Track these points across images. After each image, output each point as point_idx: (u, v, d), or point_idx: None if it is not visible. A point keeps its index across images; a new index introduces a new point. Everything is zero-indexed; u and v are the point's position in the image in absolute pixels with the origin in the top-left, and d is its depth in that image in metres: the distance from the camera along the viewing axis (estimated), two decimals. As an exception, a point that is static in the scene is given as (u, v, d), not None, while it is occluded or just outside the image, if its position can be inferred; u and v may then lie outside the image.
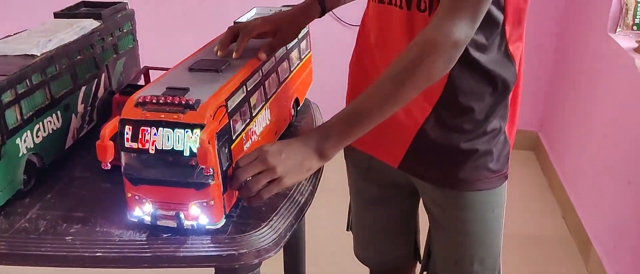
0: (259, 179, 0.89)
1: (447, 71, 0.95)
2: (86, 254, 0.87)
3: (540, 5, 2.69)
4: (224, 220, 0.90)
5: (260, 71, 1.04)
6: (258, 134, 1.01)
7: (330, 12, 1.22)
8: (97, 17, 1.23)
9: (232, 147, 0.90)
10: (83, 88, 1.15)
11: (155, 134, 0.84)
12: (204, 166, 0.81)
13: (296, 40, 1.21)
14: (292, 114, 1.24)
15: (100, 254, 0.87)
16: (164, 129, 0.83)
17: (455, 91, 1.04)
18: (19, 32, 1.16)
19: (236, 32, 1.07)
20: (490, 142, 1.10)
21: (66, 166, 1.10)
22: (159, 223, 0.89)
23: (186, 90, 0.88)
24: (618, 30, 2.18)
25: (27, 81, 0.99)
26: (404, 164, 1.15)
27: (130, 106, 0.85)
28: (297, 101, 1.26)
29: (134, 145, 0.84)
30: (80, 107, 1.14)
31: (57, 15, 1.25)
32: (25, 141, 0.99)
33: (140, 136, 0.84)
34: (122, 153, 0.86)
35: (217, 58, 1.04)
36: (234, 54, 1.03)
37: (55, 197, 1.00)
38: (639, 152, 1.87)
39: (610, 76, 2.18)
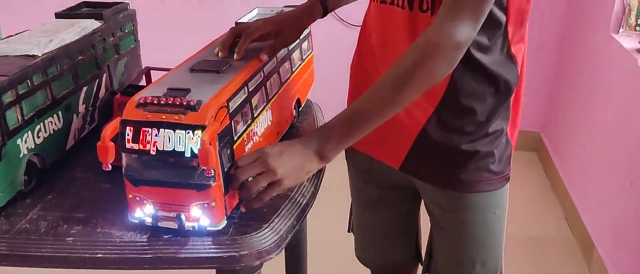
0: (259, 181, 0.88)
1: (449, 72, 0.94)
2: (87, 255, 0.87)
3: (542, 6, 2.68)
4: (225, 221, 0.90)
5: (261, 72, 1.03)
6: (260, 135, 1.01)
7: (332, 12, 1.21)
8: (98, 17, 1.23)
9: (233, 148, 0.90)
10: (84, 88, 1.15)
11: (156, 135, 0.83)
12: (205, 167, 0.81)
13: (298, 40, 1.20)
14: (294, 114, 1.23)
15: (101, 255, 0.87)
16: (165, 130, 0.83)
17: (457, 92, 1.04)
18: (20, 33, 1.16)
19: (238, 33, 1.07)
20: (492, 143, 1.09)
21: (67, 166, 1.09)
22: (160, 224, 0.88)
23: (187, 91, 0.88)
24: (621, 30, 2.17)
25: (28, 81, 0.99)
26: (405, 166, 1.15)
27: (132, 107, 0.85)
28: (298, 102, 1.25)
29: (135, 146, 0.84)
30: (81, 108, 1.14)
31: (58, 15, 1.25)
32: (26, 142, 0.98)
33: (141, 137, 0.84)
34: (123, 154, 0.86)
35: (218, 59, 1.03)
36: (235, 55, 1.03)
37: (56, 198, 1.00)
38: (642, 153, 1.87)
39: (612, 77, 2.17)
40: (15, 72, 0.96)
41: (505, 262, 1.22)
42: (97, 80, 1.20)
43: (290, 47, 1.18)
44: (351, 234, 1.43)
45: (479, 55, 1.01)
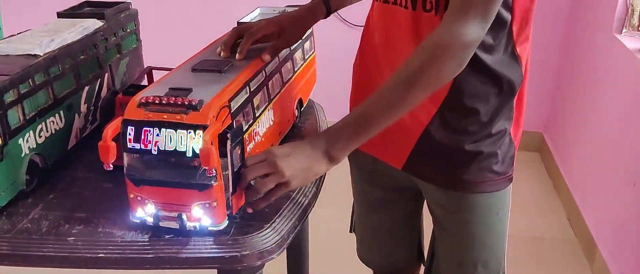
0: (267, 182, 0.88)
1: (457, 73, 0.94)
2: (88, 255, 0.87)
3: (546, 6, 2.68)
4: (227, 221, 0.89)
5: (263, 72, 1.03)
6: (262, 134, 1.01)
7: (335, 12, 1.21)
8: (100, 17, 1.23)
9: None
10: (86, 88, 1.15)
11: (157, 135, 0.83)
12: (206, 167, 0.81)
13: (300, 40, 1.20)
14: (296, 114, 1.23)
15: (103, 255, 0.87)
16: (167, 129, 0.83)
17: (461, 93, 1.04)
18: (22, 32, 1.16)
19: (240, 33, 1.07)
20: (495, 144, 1.09)
21: (69, 166, 1.09)
22: (161, 224, 0.88)
23: (189, 91, 0.87)
24: (624, 31, 2.17)
25: (29, 80, 0.99)
26: (408, 166, 1.14)
27: (133, 107, 0.85)
28: (300, 102, 1.25)
29: (137, 146, 0.84)
30: (83, 107, 1.14)
31: (60, 15, 1.25)
32: (27, 141, 0.98)
33: (142, 137, 0.84)
34: (125, 154, 0.85)
35: (220, 59, 1.03)
36: (237, 55, 1.03)
37: (57, 197, 1.00)
38: (645, 154, 1.86)
39: (615, 77, 2.17)
40: (17, 71, 0.96)
41: (508, 262, 1.22)
42: (99, 79, 1.20)
43: (293, 47, 1.18)
44: (353, 234, 1.43)
45: (483, 55, 1.01)
